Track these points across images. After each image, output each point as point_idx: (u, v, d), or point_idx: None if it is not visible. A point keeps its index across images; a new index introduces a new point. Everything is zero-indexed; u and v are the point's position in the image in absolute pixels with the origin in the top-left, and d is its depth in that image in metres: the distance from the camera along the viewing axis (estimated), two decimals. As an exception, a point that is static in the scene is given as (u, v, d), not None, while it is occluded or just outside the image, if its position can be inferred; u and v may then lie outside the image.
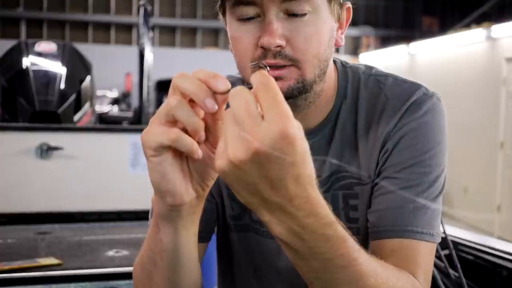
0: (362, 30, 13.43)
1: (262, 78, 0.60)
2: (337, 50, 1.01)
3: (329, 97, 0.97)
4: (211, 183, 0.73)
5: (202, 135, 0.67)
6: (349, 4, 0.94)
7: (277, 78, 0.85)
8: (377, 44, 13.53)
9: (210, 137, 0.70)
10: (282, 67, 0.85)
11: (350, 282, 0.70)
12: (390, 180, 0.91)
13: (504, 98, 6.97)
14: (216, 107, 0.65)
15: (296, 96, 0.88)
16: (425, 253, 0.87)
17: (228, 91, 0.65)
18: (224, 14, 0.93)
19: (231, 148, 0.59)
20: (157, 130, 0.67)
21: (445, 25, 12.59)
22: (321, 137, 0.97)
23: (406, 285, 0.79)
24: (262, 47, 0.85)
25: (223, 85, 0.65)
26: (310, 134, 0.95)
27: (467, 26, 9.36)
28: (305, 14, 0.85)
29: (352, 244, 0.69)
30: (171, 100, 0.66)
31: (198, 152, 0.67)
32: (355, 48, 13.52)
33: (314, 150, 0.98)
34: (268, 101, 0.59)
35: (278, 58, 0.85)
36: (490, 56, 7.34)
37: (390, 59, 10.44)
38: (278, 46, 0.84)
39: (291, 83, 0.86)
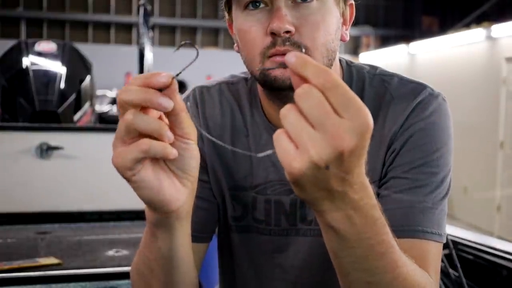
0: (362, 29, 13.43)
1: (328, 76, 0.57)
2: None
3: None
4: (195, 172, 0.73)
5: (169, 135, 0.67)
6: (352, 1, 0.95)
7: (286, 65, 0.86)
8: (377, 44, 13.53)
9: (177, 130, 0.69)
10: None
11: (386, 271, 0.70)
12: (398, 180, 0.91)
13: (504, 98, 6.97)
14: (172, 103, 0.66)
15: None
16: (434, 253, 0.88)
17: (173, 78, 0.66)
18: (229, 12, 0.94)
19: (314, 150, 0.57)
20: (126, 149, 0.66)
21: (445, 25, 12.59)
22: None
23: (427, 281, 0.80)
24: (272, 33, 0.85)
25: (164, 77, 0.65)
26: None
27: (467, 26, 9.35)
28: (311, 1, 0.86)
29: (389, 230, 0.70)
30: (126, 116, 0.65)
31: (173, 152, 0.67)
32: (355, 47, 13.52)
33: None
34: (342, 99, 0.57)
35: (288, 45, 0.85)
36: (490, 56, 7.34)
37: (390, 59, 10.44)
38: (287, 32, 0.84)
39: None
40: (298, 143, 0.58)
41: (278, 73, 0.86)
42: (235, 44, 0.96)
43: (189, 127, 0.70)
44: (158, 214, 0.73)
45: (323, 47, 0.88)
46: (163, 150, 0.66)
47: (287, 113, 0.58)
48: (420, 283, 0.76)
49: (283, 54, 0.85)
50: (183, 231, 0.77)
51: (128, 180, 0.68)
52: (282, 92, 0.89)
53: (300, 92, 0.58)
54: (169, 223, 0.75)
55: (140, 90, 0.65)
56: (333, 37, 0.89)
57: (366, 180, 0.64)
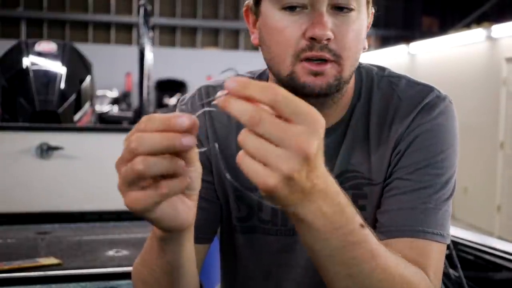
0: (362, 30, 13.42)
1: (273, 90, 0.59)
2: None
3: (347, 98, 0.97)
4: (199, 184, 0.71)
5: (182, 164, 0.63)
6: (373, 9, 0.95)
7: (317, 73, 0.86)
8: (377, 44, 13.53)
9: (186, 160, 0.66)
10: (325, 62, 0.86)
11: (363, 261, 0.70)
12: (402, 181, 0.91)
13: (504, 98, 6.97)
14: (195, 140, 0.62)
15: (332, 93, 0.88)
16: (436, 254, 0.87)
17: (194, 123, 0.61)
18: (257, 4, 0.92)
19: (285, 165, 0.59)
20: (143, 195, 0.63)
21: (445, 25, 12.59)
22: (334, 137, 0.97)
23: (419, 278, 0.79)
24: (311, 38, 0.84)
25: (187, 120, 0.61)
26: (325, 133, 0.95)
27: (467, 26, 9.35)
28: (350, 10, 0.86)
29: (360, 219, 0.70)
30: (136, 166, 0.61)
31: (188, 181, 0.65)
32: (355, 48, 13.51)
33: (327, 150, 0.98)
34: (293, 108, 0.59)
35: (325, 51, 0.85)
36: (490, 56, 7.34)
37: (390, 59, 10.44)
38: (327, 39, 0.84)
39: (330, 80, 0.86)
40: (266, 162, 0.59)
41: (309, 79, 0.86)
42: (253, 37, 0.95)
43: (195, 153, 0.67)
44: (169, 233, 0.72)
45: (354, 56, 0.88)
46: (181, 187, 0.64)
47: (246, 138, 0.59)
48: (404, 276, 0.76)
49: (320, 59, 0.85)
50: (190, 241, 0.77)
51: (147, 219, 0.66)
52: (307, 99, 0.89)
53: (251, 119, 0.58)
54: (179, 238, 0.74)
55: (161, 137, 0.60)
56: (362, 47, 0.90)
57: (326, 169, 0.66)
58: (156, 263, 0.79)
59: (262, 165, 0.59)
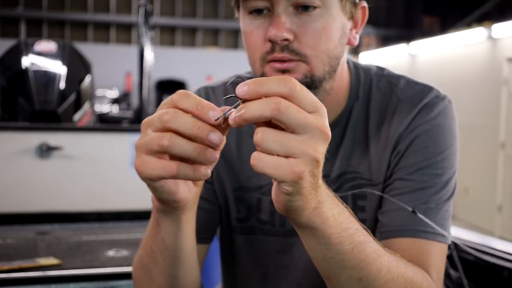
0: (362, 29, 13.41)
1: (291, 81, 0.58)
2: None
3: (340, 97, 0.97)
4: (209, 174, 0.71)
5: (213, 156, 0.63)
6: (364, 4, 0.94)
7: (284, 71, 0.86)
8: (377, 44, 13.52)
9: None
10: (290, 61, 0.86)
11: (371, 261, 0.70)
12: (402, 181, 0.91)
13: (505, 98, 6.96)
14: (224, 140, 0.62)
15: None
16: (437, 253, 0.88)
17: (223, 117, 0.60)
18: (238, 9, 0.94)
19: (310, 149, 0.58)
20: (153, 162, 0.63)
21: (445, 25, 12.59)
22: (331, 138, 0.96)
23: (417, 274, 0.79)
24: (269, 40, 0.85)
25: (214, 115, 0.60)
26: None
27: (468, 25, 9.34)
28: (314, 8, 0.85)
29: (357, 219, 0.71)
30: (162, 142, 0.61)
31: (205, 173, 0.64)
32: (355, 47, 13.49)
33: None
34: (310, 98, 0.59)
35: (285, 52, 0.85)
36: (491, 56, 7.33)
37: (390, 59, 10.43)
38: (285, 40, 0.84)
39: (298, 77, 0.86)
40: (289, 152, 0.58)
41: None
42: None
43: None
44: (165, 204, 0.73)
45: (324, 54, 0.87)
46: (192, 175, 0.64)
47: (265, 133, 0.58)
48: (407, 276, 0.75)
49: (282, 60, 0.85)
50: (188, 220, 0.78)
51: (147, 184, 0.67)
52: None
53: (277, 107, 0.57)
54: (175, 214, 0.75)
55: (193, 124, 0.60)
56: (336, 43, 0.89)
57: None
58: (153, 241, 0.80)
59: (283, 158, 0.58)
